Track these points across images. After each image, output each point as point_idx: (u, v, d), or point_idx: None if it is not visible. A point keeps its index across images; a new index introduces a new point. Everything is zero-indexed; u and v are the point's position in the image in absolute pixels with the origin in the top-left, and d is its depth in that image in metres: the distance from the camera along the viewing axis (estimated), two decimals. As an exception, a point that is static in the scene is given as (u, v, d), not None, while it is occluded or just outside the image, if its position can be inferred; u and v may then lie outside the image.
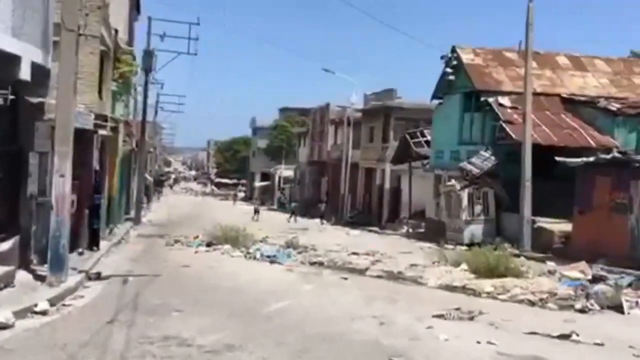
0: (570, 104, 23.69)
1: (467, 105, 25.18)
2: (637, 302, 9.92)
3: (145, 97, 30.62)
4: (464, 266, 13.57)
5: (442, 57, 25.18)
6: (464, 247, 21.17)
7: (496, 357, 6.95)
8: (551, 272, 13.07)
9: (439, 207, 26.50)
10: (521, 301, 10.50)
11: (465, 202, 21.73)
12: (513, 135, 20.98)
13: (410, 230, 29.79)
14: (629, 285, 11.05)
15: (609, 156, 16.31)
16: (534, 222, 19.90)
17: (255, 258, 15.48)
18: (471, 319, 8.98)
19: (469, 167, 22.01)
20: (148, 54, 29.00)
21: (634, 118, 21.97)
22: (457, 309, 9.48)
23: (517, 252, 19.38)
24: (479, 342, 7.50)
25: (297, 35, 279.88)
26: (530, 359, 7.03)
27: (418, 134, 31.11)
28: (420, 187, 32.08)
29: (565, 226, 19.59)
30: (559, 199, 19.76)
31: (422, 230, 28.66)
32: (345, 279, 12.94)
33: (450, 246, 21.32)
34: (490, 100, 23.21)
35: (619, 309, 9.90)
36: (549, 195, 19.73)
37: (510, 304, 10.42)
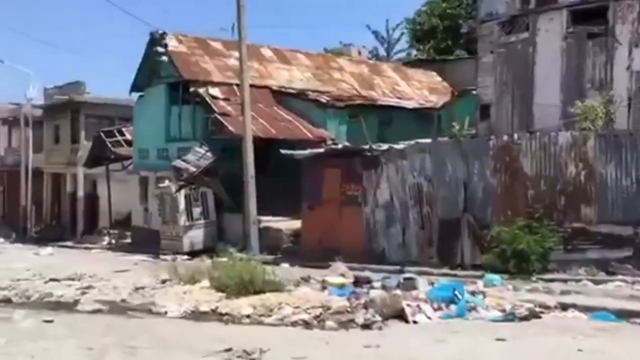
0: (281, 96, 22.89)
1: (174, 98, 22.55)
2: (418, 307, 8.66)
3: None
4: (204, 283, 11.07)
5: (152, 40, 21.92)
6: (185, 257, 18.72)
7: None
8: (305, 280, 11.38)
9: (147, 213, 23.47)
10: (294, 323, 8.47)
11: (182, 205, 19.17)
12: (231, 129, 19.14)
13: (113, 241, 26.04)
14: (397, 286, 9.88)
15: (339, 146, 15.48)
16: (259, 222, 18.38)
17: None
18: (255, 363, 6.62)
19: (184, 165, 19.50)
20: None
21: (342, 110, 22.07)
22: (229, 349, 7.00)
23: (245, 256, 17.72)
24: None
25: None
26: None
27: (115, 132, 27.39)
28: (121, 192, 28.40)
29: (293, 224, 18.50)
30: (281, 196, 18.62)
31: (128, 241, 25.22)
32: (50, 321, 9.30)
33: (168, 257, 18.60)
34: (201, 91, 21.03)
35: (401, 316, 8.57)
36: (270, 192, 18.41)
37: (283, 330, 8.29)
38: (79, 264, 17.19)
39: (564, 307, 9.11)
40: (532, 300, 9.22)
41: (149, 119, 23.46)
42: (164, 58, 21.50)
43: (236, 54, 23.78)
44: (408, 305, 8.69)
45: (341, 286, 10.07)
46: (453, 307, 8.82)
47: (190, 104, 21.73)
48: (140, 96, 24.50)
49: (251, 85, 21.81)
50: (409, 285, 9.76)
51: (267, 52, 25.36)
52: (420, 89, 28.93)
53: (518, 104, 15.41)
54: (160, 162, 22.77)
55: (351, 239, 15.08)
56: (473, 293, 9.47)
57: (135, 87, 24.24)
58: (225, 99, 21.17)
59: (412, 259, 13.64)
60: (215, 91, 21.30)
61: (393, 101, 24.71)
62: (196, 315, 9.39)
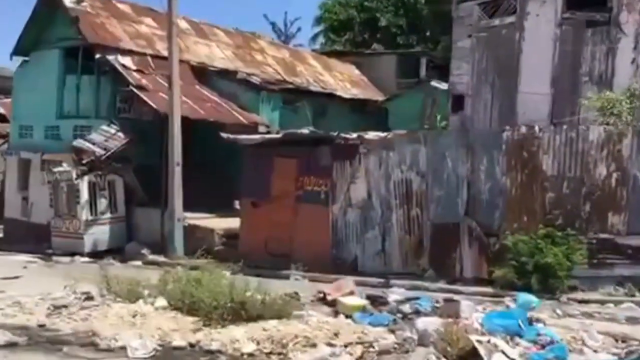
0: (202, 74, 19.76)
1: (70, 65, 18.59)
2: (494, 344, 6.38)
3: None
4: (160, 302, 8.06)
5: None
6: (85, 259, 15.19)
7: None
8: (292, 297, 8.67)
9: (27, 203, 19.30)
10: (334, 368, 5.87)
11: (85, 195, 15.49)
12: (154, 106, 15.82)
13: (-27, 237, 21.40)
14: (433, 309, 7.57)
15: (304, 130, 12.85)
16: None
17: None
18: None
19: (89, 146, 15.84)
20: None
21: (276, 95, 19.41)
22: None
23: (166, 260, 14.58)
24: None
25: None
26: None
27: (-15, 104, 22.73)
28: (-13, 178, 23.73)
29: (223, 223, 15.58)
30: (205, 190, 15.71)
31: (-1, 235, 20.77)
32: None
33: (65, 258, 14.99)
34: (110, 58, 17.40)
35: (467, 357, 6.25)
36: (192, 184, 15.39)
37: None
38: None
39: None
40: (609, 332, 7.27)
41: (35, 89, 19.22)
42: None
43: (147, 19, 20.60)
44: (478, 341, 6.38)
45: (361, 309, 7.53)
46: (525, 342, 6.64)
47: (93, 74, 17.98)
48: (24, 61, 20.16)
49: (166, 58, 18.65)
50: (450, 309, 7.45)
51: (182, 24, 21.87)
52: (342, 80, 26.88)
53: (499, 96, 13.73)
54: (48, 142, 18.72)
55: (311, 244, 12.53)
56: (530, 321, 7.36)
57: (18, 51, 19.88)
58: (138, 71, 17.72)
59: (394, 271, 11.38)
60: (126, 60, 17.76)
61: (329, 90, 22.42)
62: (170, 355, 6.47)
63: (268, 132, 17.25)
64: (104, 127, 16.46)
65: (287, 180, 13.30)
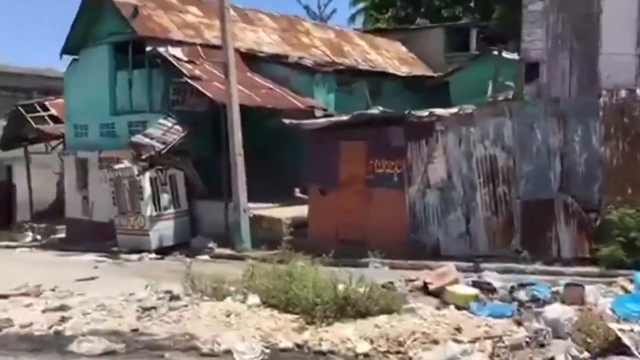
0: (251, 61, 19.25)
1: (121, 61, 18.34)
2: (635, 332, 5.70)
3: None
4: (253, 299, 7.60)
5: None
6: (153, 256, 14.93)
7: None
8: (386, 287, 8.09)
9: (88, 202, 19.22)
10: (470, 368, 5.29)
11: (148, 191, 15.20)
12: (210, 96, 15.38)
13: (39, 237, 21.51)
14: (552, 297, 6.90)
15: (374, 110, 12.23)
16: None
17: None
18: None
19: (147, 141, 15.52)
20: None
21: (330, 77, 18.79)
22: None
23: (235, 253, 14.21)
24: None
25: None
26: None
27: (37, 106, 22.67)
28: (43, 179, 23.88)
29: (288, 211, 15.12)
30: (264, 178, 15.21)
31: (60, 236, 20.80)
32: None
33: (132, 256, 14.75)
34: (161, 50, 17.03)
35: (610, 350, 5.58)
36: (251, 174, 14.90)
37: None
38: (15, 269, 13.05)
39: None
40: None
41: (87, 87, 19.04)
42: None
43: (193, 9, 20.18)
44: (621, 330, 5.71)
45: (474, 299, 6.92)
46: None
47: (144, 68, 17.64)
48: (74, 60, 19.98)
49: (219, 47, 18.16)
50: (573, 295, 6.77)
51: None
52: (391, 58, 26.05)
53: (578, 60, 12.78)
54: (104, 140, 18.59)
55: (386, 230, 11.94)
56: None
57: (67, 49, 19.70)
58: (190, 61, 17.32)
59: (480, 253, 10.72)
60: (176, 51, 17.38)
61: (379, 69, 21.69)
62: (278, 357, 5.99)
63: (325, 116, 16.67)
64: (161, 121, 16.12)
65: (356, 164, 12.74)
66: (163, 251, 15.13)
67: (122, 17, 17.61)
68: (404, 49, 27.45)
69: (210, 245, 14.93)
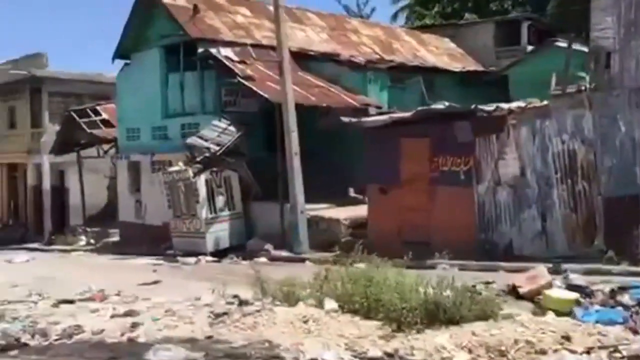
0: (302, 59, 18.94)
1: (172, 64, 18.26)
2: None
3: None
4: (331, 304, 7.23)
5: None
6: (209, 258, 14.73)
7: None
8: (471, 292, 7.62)
9: (141, 205, 19.22)
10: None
11: (203, 193, 15.02)
12: (266, 96, 15.11)
13: (93, 241, 21.65)
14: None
15: (439, 106, 11.74)
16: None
17: None
18: None
19: (202, 143, 15.35)
20: None
21: (382, 74, 18.36)
22: None
23: (293, 255, 13.89)
24: None
25: None
26: None
27: (89, 111, 22.82)
28: (94, 183, 24.06)
29: (346, 212, 14.75)
30: (318, 178, 14.82)
31: (113, 239, 20.88)
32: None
33: (189, 259, 14.57)
34: (213, 51, 16.86)
35: None
36: (304, 174, 14.53)
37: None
38: (75, 273, 13.08)
39: None
40: None
41: (139, 91, 19.05)
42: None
43: (242, 9, 20.02)
44: None
45: (575, 303, 6.40)
46: None
47: (196, 70, 17.52)
48: (126, 64, 20.03)
49: (268, 46, 17.95)
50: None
51: (276, 10, 21.28)
52: (439, 55, 25.42)
53: (654, 49, 12.03)
54: (156, 143, 18.55)
55: (452, 230, 11.43)
56: None
57: (119, 54, 19.74)
58: (241, 62, 17.10)
59: (558, 254, 10.13)
60: (227, 52, 17.18)
61: (432, 63, 21.16)
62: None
63: (380, 114, 16.23)
64: (215, 122, 15.94)
65: (419, 162, 12.26)
66: (219, 254, 14.94)
67: (173, 20, 17.53)
68: (452, 44, 26.77)
69: (267, 247, 14.64)
